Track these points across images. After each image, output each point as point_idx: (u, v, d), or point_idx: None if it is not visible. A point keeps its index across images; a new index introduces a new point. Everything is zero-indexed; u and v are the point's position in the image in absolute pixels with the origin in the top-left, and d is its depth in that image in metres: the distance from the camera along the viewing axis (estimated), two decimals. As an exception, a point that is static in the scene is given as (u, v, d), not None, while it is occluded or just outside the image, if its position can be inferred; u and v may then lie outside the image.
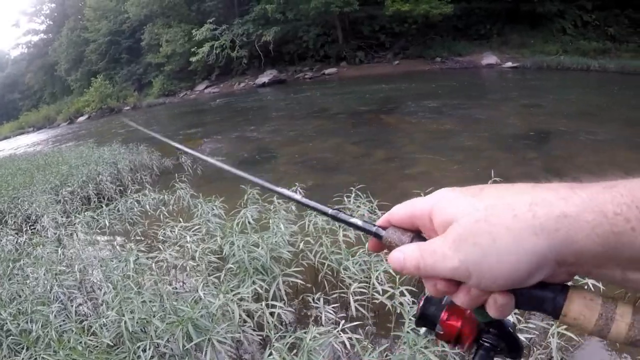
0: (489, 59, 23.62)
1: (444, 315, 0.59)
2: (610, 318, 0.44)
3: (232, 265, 3.64)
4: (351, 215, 0.63)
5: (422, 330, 0.63)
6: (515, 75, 20.93)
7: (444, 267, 0.48)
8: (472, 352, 0.60)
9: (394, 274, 3.56)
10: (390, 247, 0.55)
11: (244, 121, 16.23)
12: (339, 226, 4.07)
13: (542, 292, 0.47)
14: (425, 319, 0.61)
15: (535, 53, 23.50)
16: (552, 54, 22.77)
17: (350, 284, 3.46)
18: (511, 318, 0.61)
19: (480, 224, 0.46)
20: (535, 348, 3.02)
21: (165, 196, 6.26)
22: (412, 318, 3.22)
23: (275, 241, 3.74)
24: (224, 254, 3.85)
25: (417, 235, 0.54)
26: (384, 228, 0.57)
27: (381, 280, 3.47)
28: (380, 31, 27.27)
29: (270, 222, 4.19)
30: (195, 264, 3.97)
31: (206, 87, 32.10)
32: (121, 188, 8.51)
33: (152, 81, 35.69)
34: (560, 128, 9.96)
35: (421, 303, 0.61)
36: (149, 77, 36.58)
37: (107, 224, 5.78)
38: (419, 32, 26.38)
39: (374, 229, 0.58)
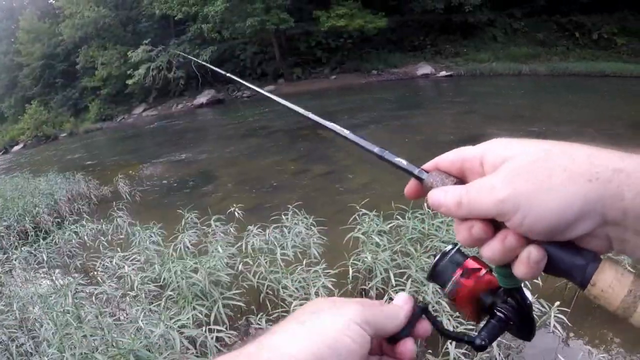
0: (424, 69, 24.27)
1: (457, 272, 0.56)
2: (639, 297, 0.43)
3: (171, 293, 3.64)
4: (396, 156, 0.61)
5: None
6: (449, 84, 21.62)
7: (490, 199, 0.47)
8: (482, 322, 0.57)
9: (332, 288, 3.65)
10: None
11: (182, 144, 16.06)
12: (277, 244, 4.14)
13: (575, 256, 0.46)
14: (437, 274, 0.58)
15: (468, 61, 24.42)
16: (484, 62, 23.70)
17: (291, 302, 3.52)
18: (530, 297, 0.60)
19: (538, 162, 0.46)
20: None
21: (103, 226, 6.14)
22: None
23: (214, 265, 3.76)
24: (161, 281, 3.84)
25: (461, 182, 0.53)
26: (428, 172, 0.56)
27: (321, 295, 3.55)
28: (317, 47, 27.52)
29: (208, 245, 4.20)
30: (134, 294, 3.93)
31: (144, 110, 31.43)
32: (59, 219, 8.27)
33: (89, 106, 34.66)
34: (494, 131, 10.32)
35: (436, 257, 0.59)
36: (85, 101, 35.47)
37: (45, 258, 5.64)
38: (355, 46, 26.84)
39: (416, 171, 0.57)
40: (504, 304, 0.55)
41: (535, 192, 0.44)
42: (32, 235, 7.39)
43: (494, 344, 2.97)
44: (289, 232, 4.35)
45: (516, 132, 9.76)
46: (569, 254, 0.46)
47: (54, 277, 5.78)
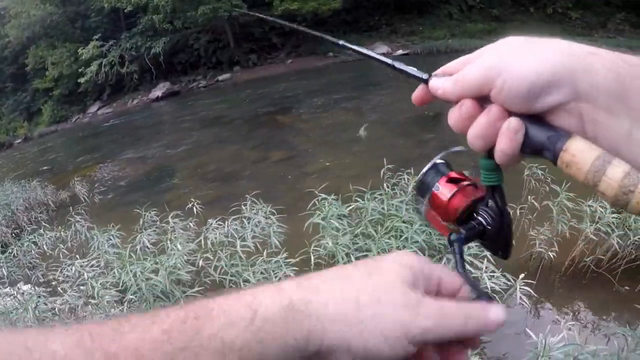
0: (380, 48, 24.21)
1: (442, 180, 0.61)
2: (607, 161, 0.46)
3: (132, 296, 3.58)
4: (407, 66, 0.65)
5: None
6: (407, 62, 21.53)
7: (479, 67, 0.52)
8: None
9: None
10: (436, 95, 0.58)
11: (139, 140, 15.74)
12: (237, 236, 4.12)
13: (549, 130, 0.50)
14: (423, 184, 0.63)
15: (424, 39, 24.53)
16: (440, 39, 23.86)
17: (254, 295, 3.49)
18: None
19: (525, 43, 0.51)
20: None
21: (62, 233, 5.98)
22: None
23: (173, 263, 3.71)
24: (121, 285, 3.77)
25: None
26: None
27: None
28: (271, 32, 27.16)
29: (168, 243, 4.14)
30: (96, 302, 3.85)
31: (99, 109, 30.57)
32: (17, 230, 8.05)
33: (42, 108, 33.61)
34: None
35: (425, 169, 0.64)
36: (37, 104, 34.32)
37: (6, 273, 5.49)
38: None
39: (421, 74, 0.60)
40: (485, 207, 0.58)
41: (514, 58, 0.50)
42: (-8, 251, 7.18)
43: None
44: (248, 223, 4.31)
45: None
46: (544, 128, 0.50)
47: (15, 292, 5.64)
